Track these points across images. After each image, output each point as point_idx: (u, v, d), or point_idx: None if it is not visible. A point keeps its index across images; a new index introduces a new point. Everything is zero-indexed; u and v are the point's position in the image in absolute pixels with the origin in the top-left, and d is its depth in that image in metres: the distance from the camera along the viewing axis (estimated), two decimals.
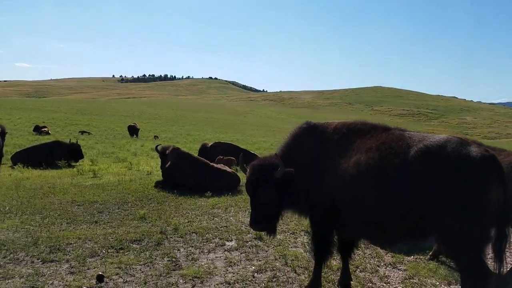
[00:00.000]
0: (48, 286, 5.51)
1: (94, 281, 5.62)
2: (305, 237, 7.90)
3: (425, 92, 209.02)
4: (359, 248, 6.69)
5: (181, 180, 12.01)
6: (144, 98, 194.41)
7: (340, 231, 5.51)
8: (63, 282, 5.59)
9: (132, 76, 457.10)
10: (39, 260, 6.29)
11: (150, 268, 6.20)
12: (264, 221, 5.44)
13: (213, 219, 8.89)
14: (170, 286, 5.65)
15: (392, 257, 6.99)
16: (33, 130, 31.65)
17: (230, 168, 13.51)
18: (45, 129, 31.75)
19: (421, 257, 7.01)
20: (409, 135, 4.75)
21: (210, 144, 17.84)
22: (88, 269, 6.05)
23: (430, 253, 6.99)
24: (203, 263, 6.45)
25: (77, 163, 17.11)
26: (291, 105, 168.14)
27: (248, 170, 5.56)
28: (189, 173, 12.03)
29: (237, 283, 5.82)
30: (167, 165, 12.41)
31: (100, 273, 5.75)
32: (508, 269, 5.88)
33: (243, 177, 12.78)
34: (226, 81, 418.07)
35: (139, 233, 7.68)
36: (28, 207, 9.28)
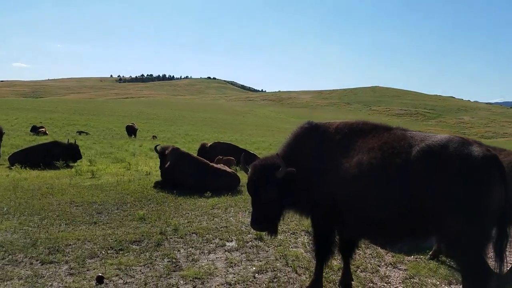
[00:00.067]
0: None
1: (94, 283, 5.58)
2: (306, 237, 7.88)
3: (422, 92, 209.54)
4: (359, 248, 6.67)
5: (181, 180, 11.98)
6: (142, 98, 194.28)
7: (342, 231, 5.49)
8: (62, 284, 5.55)
9: (130, 76, 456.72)
10: (38, 262, 6.24)
11: (150, 269, 6.17)
12: (265, 221, 5.42)
13: (213, 220, 8.85)
14: (171, 287, 5.62)
15: (393, 257, 6.97)
16: (31, 131, 31.60)
17: (230, 168, 13.48)
18: (43, 129, 31.69)
19: (421, 257, 7.00)
20: (411, 135, 4.73)
21: (209, 144, 17.82)
22: (87, 270, 6.01)
23: (430, 252, 6.98)
24: (203, 264, 6.42)
25: (75, 164, 17.05)
26: (289, 105, 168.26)
27: (249, 170, 5.53)
28: (189, 173, 11.99)
29: (238, 283, 5.79)
30: (166, 165, 12.38)
31: (100, 274, 5.72)
32: (508, 268, 5.86)
33: (242, 177, 12.82)
34: (224, 81, 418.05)
35: (138, 234, 7.64)
36: (26, 208, 9.22)
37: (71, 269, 6.03)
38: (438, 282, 6.02)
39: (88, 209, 9.41)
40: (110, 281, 5.70)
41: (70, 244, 7.00)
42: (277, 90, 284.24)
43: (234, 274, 6.11)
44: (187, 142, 32.21)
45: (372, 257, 6.96)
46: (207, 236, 7.74)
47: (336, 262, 6.41)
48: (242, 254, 6.94)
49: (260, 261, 6.64)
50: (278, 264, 6.52)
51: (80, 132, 34.30)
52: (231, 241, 7.53)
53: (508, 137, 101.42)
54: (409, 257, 6.96)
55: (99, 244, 7.05)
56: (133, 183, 12.51)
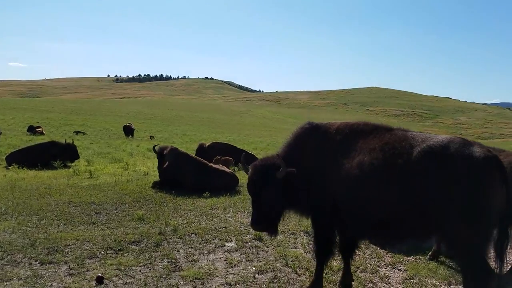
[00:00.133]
0: None
1: (93, 283, 5.57)
2: (305, 237, 7.88)
3: (419, 93, 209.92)
4: (359, 249, 6.65)
5: (179, 181, 11.96)
6: (139, 98, 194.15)
7: (342, 232, 5.48)
8: (62, 284, 5.54)
9: (127, 76, 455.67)
10: (37, 262, 6.22)
11: (150, 269, 6.15)
12: (265, 221, 5.40)
13: (212, 220, 8.84)
14: (171, 287, 5.61)
15: (392, 257, 6.97)
16: (27, 130, 31.51)
17: (228, 168, 13.46)
18: (39, 129, 31.60)
19: (421, 257, 6.99)
20: (412, 136, 4.73)
21: (207, 144, 17.79)
22: (87, 270, 5.99)
23: (430, 253, 6.98)
24: (203, 264, 6.41)
25: (73, 164, 17.01)
26: (287, 105, 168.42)
27: (250, 170, 5.52)
28: (188, 174, 11.97)
29: (238, 284, 5.78)
30: (165, 166, 12.35)
31: (100, 274, 5.70)
32: (508, 268, 5.87)
33: (241, 178, 12.81)
34: (222, 81, 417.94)
35: (137, 234, 7.62)
36: (24, 208, 9.20)
37: (71, 269, 6.01)
38: (438, 283, 6.01)
39: (86, 209, 9.39)
40: (110, 281, 5.68)
41: (69, 245, 6.98)
42: (274, 91, 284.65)
43: (234, 274, 6.10)
44: (185, 142, 32.17)
45: (372, 258, 6.96)
46: (206, 236, 7.73)
47: (335, 262, 6.41)
48: (241, 254, 6.92)
49: (260, 261, 6.63)
50: (278, 265, 6.51)
51: (77, 132, 34.21)
52: (230, 242, 7.52)
53: (505, 137, 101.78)
54: (408, 258, 6.96)
55: (98, 245, 7.03)
56: (131, 183, 12.49)
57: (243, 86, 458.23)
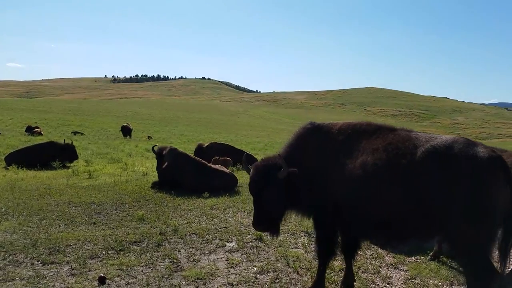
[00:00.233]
0: None
1: (96, 283, 5.57)
2: (306, 238, 7.90)
3: (417, 93, 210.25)
4: (360, 249, 6.66)
5: (179, 181, 11.95)
6: (136, 98, 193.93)
7: (344, 232, 5.48)
8: (65, 284, 5.54)
9: (125, 76, 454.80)
10: (39, 262, 6.22)
11: (151, 269, 6.15)
12: (267, 221, 5.40)
13: (212, 220, 8.85)
14: (173, 287, 5.61)
15: (393, 257, 6.98)
16: (25, 131, 31.43)
17: (227, 169, 13.47)
18: (38, 129, 31.52)
19: (422, 257, 7.01)
20: (415, 136, 4.74)
21: (206, 145, 17.78)
22: (89, 271, 5.99)
23: (431, 253, 7.00)
24: (204, 265, 6.41)
25: (72, 164, 16.99)
26: (284, 106, 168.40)
27: (251, 170, 5.52)
28: (187, 174, 11.97)
29: (240, 284, 5.79)
30: (164, 166, 12.35)
31: (102, 275, 5.70)
32: (510, 269, 5.88)
33: (240, 178, 12.83)
34: (219, 81, 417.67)
35: (138, 234, 7.62)
36: (25, 208, 9.19)
37: (73, 269, 6.02)
38: (439, 283, 6.03)
39: (86, 209, 9.38)
40: (112, 281, 5.69)
41: (71, 245, 6.98)
42: (271, 91, 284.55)
43: (236, 274, 6.10)
44: (183, 142, 32.15)
45: (373, 258, 6.97)
46: (207, 236, 7.73)
47: (337, 263, 6.42)
48: (242, 254, 6.93)
49: (261, 261, 6.64)
50: (279, 265, 6.51)
51: (75, 133, 34.16)
52: (231, 242, 7.53)
53: (503, 138, 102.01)
54: (409, 258, 6.97)
55: (100, 245, 7.03)
56: (130, 184, 12.48)
57: (240, 87, 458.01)
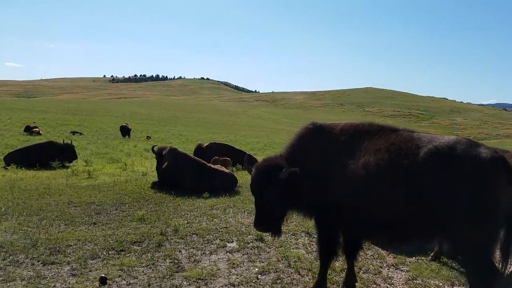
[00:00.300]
0: None
1: (97, 284, 5.55)
2: (306, 238, 7.89)
3: (415, 93, 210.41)
4: (362, 249, 6.66)
5: (178, 181, 11.93)
6: (135, 98, 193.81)
7: (346, 232, 5.48)
8: (66, 285, 5.52)
9: (123, 76, 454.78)
10: (40, 262, 6.20)
11: (152, 270, 6.14)
12: (268, 221, 5.39)
13: (212, 220, 8.83)
14: None
15: (394, 258, 6.98)
16: (24, 131, 31.38)
17: (227, 169, 13.45)
18: (36, 129, 31.47)
19: (423, 258, 7.00)
20: (418, 136, 4.74)
21: (205, 145, 17.76)
22: (90, 271, 5.97)
23: (432, 254, 6.99)
24: (205, 265, 6.40)
25: (71, 164, 16.95)
26: (283, 106, 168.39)
27: (253, 170, 5.51)
28: (187, 174, 11.95)
29: (242, 285, 5.78)
30: (164, 166, 12.33)
31: (103, 275, 5.68)
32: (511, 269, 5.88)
33: (240, 178, 12.82)
34: (218, 81, 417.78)
35: (139, 235, 7.60)
36: (24, 208, 9.16)
37: (73, 270, 5.99)
38: (441, 284, 6.02)
39: (86, 209, 9.36)
40: (113, 282, 5.67)
41: (71, 245, 6.96)
42: (270, 91, 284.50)
43: (237, 275, 6.09)
44: (182, 142, 32.11)
45: (374, 258, 6.96)
46: (207, 237, 7.72)
47: (338, 263, 6.40)
48: (243, 255, 6.92)
49: (262, 262, 6.63)
50: (280, 265, 6.50)
51: (74, 132, 34.08)
52: (232, 242, 7.51)
53: (501, 138, 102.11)
54: (410, 259, 6.97)
55: (100, 245, 7.01)
56: (130, 184, 12.46)
57: (239, 87, 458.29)
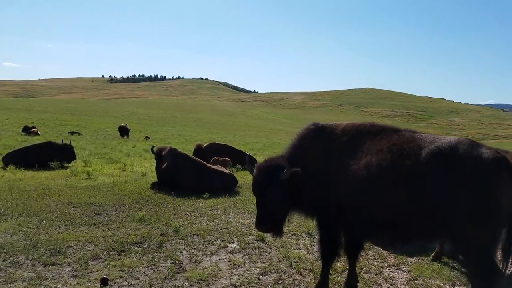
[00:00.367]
0: None
1: (98, 285, 5.53)
2: (307, 238, 7.88)
3: (414, 94, 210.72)
4: (363, 250, 6.65)
5: (178, 181, 11.91)
6: (134, 98, 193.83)
7: (348, 233, 5.47)
8: (67, 286, 5.50)
9: (122, 76, 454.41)
10: (40, 264, 6.17)
11: (154, 271, 6.12)
12: (269, 222, 5.37)
13: (213, 221, 8.81)
14: None
15: (395, 258, 6.98)
16: (22, 131, 31.30)
17: (226, 169, 13.43)
18: (34, 129, 31.40)
19: (424, 258, 7.01)
20: (420, 137, 4.74)
21: (205, 145, 17.74)
22: (91, 272, 5.95)
23: (433, 254, 7.00)
24: (207, 266, 6.39)
25: (70, 164, 16.91)
26: (282, 106, 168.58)
27: (254, 171, 5.50)
28: (186, 175, 11.93)
29: (243, 285, 5.77)
30: (163, 166, 12.31)
31: (104, 276, 5.67)
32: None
33: (239, 178, 12.81)
34: (217, 81, 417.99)
35: (139, 235, 7.58)
36: (24, 209, 9.12)
37: (74, 271, 5.97)
38: (442, 284, 6.03)
39: (86, 210, 9.33)
40: (115, 283, 5.65)
41: (71, 246, 6.93)
42: (269, 91, 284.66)
43: (239, 275, 6.08)
44: (180, 142, 32.08)
45: (375, 259, 6.96)
46: (208, 237, 7.70)
47: (339, 264, 6.40)
48: (244, 255, 6.91)
49: (264, 262, 6.62)
50: (281, 266, 6.49)
51: (72, 133, 34.00)
52: (232, 243, 7.50)
53: (499, 139, 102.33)
54: (411, 259, 6.97)
55: (101, 246, 6.98)
56: (129, 184, 12.43)
57: (237, 87, 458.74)
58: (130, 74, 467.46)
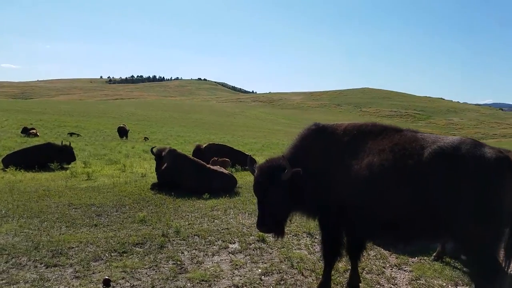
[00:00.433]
0: None
1: (100, 286, 5.54)
2: (308, 239, 7.89)
3: (412, 94, 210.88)
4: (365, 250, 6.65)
5: (178, 182, 11.91)
6: (132, 99, 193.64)
7: (350, 233, 5.47)
8: (69, 287, 5.50)
9: (120, 77, 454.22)
10: (42, 265, 6.17)
11: (156, 271, 6.12)
12: (271, 222, 5.37)
13: (213, 221, 8.82)
14: None
15: (397, 258, 6.99)
16: (21, 132, 31.26)
17: (226, 170, 13.44)
18: (33, 131, 31.35)
19: (425, 258, 7.01)
20: (422, 137, 4.75)
21: (204, 146, 17.74)
22: (93, 273, 5.95)
23: (434, 254, 7.00)
24: (208, 266, 6.39)
25: (70, 165, 16.90)
26: (280, 106, 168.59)
27: (256, 171, 5.51)
28: (186, 175, 11.94)
29: (245, 286, 5.77)
30: (163, 167, 12.31)
31: (107, 277, 5.66)
32: None
33: (239, 179, 12.82)
34: (215, 82, 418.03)
35: (140, 236, 7.58)
36: (25, 210, 9.11)
37: (77, 272, 5.97)
38: (444, 284, 6.03)
39: (87, 211, 9.33)
40: (117, 284, 5.65)
41: (73, 247, 6.93)
42: (267, 92, 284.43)
43: (241, 276, 6.09)
44: (179, 143, 32.04)
45: (377, 259, 6.97)
46: (209, 238, 7.71)
47: (341, 264, 6.39)
48: (246, 256, 6.91)
49: (265, 263, 6.62)
50: (283, 266, 6.50)
51: (71, 134, 33.97)
52: (234, 243, 7.50)
53: (498, 138, 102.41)
54: (413, 259, 6.97)
55: (102, 247, 6.98)
56: (129, 185, 12.44)
57: (236, 87, 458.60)
58: (128, 75, 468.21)
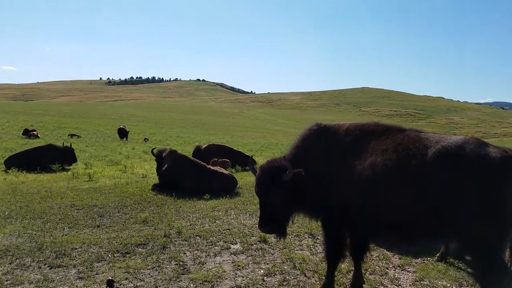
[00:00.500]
0: None
1: (104, 286, 5.55)
2: (310, 239, 7.89)
3: (412, 93, 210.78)
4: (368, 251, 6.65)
5: (179, 183, 11.94)
6: (132, 100, 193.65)
7: (353, 234, 5.47)
8: None
9: (120, 79, 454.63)
10: (46, 266, 6.19)
11: (158, 272, 6.14)
12: (272, 223, 5.36)
13: (214, 222, 8.83)
14: None
15: (400, 259, 6.97)
16: (22, 134, 31.30)
17: (226, 170, 13.45)
18: (35, 132, 31.39)
19: (429, 258, 6.99)
20: (425, 136, 4.74)
21: (204, 146, 17.77)
22: (96, 274, 5.97)
23: (438, 254, 6.97)
24: (211, 267, 6.40)
25: (71, 167, 16.92)
26: (279, 107, 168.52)
27: (257, 172, 5.52)
28: (187, 176, 11.96)
29: (248, 287, 5.77)
30: (164, 168, 12.33)
31: (110, 277, 5.68)
32: None
33: (239, 179, 12.84)
34: (214, 83, 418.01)
35: (143, 237, 7.60)
36: (28, 211, 9.14)
37: (80, 272, 5.99)
38: (448, 284, 6.02)
39: (89, 212, 9.35)
40: (121, 284, 5.67)
41: (76, 248, 6.95)
42: (266, 92, 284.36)
43: (243, 277, 6.09)
44: (179, 144, 32.04)
45: (380, 260, 6.96)
46: (211, 238, 7.72)
47: (344, 265, 6.39)
48: (248, 257, 6.92)
49: (267, 264, 6.63)
50: (285, 267, 6.50)
51: (72, 135, 34.01)
52: (235, 244, 7.51)
53: (499, 137, 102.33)
54: (416, 259, 6.96)
55: (105, 248, 7.00)
56: (131, 186, 12.47)
57: (235, 88, 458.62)
58: (128, 76, 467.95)
